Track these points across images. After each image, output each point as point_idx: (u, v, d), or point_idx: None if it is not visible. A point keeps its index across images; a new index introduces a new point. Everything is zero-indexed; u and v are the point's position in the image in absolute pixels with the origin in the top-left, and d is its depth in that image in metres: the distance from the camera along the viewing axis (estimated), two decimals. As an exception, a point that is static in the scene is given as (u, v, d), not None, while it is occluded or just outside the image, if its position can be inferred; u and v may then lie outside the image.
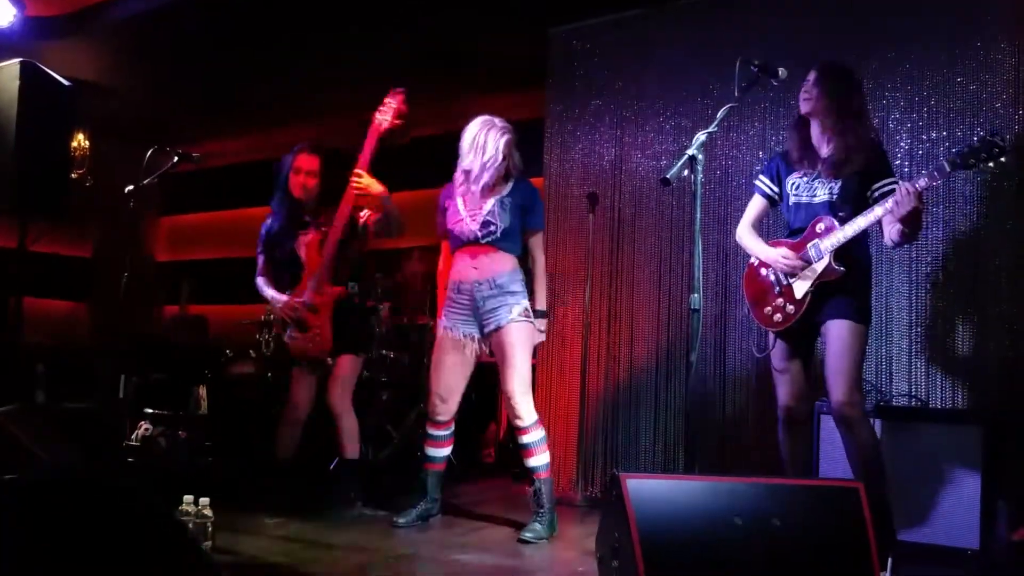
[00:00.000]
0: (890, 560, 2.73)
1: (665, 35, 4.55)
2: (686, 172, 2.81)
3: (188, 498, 2.87)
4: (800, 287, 3.04)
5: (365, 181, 3.58)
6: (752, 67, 2.97)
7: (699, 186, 2.82)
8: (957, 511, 3.19)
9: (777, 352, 3.16)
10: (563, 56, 4.90)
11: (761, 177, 3.32)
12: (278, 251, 3.93)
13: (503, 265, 3.50)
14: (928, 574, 3.01)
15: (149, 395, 5.04)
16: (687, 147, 2.81)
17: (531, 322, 3.51)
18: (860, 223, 2.91)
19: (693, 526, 2.29)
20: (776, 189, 3.26)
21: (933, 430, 3.30)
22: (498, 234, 3.48)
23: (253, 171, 8.08)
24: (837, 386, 2.94)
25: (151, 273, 8.93)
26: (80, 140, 6.71)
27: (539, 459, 3.51)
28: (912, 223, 2.86)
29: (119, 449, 4.32)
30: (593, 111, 4.77)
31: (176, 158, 4.05)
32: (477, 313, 3.51)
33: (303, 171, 3.87)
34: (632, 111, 4.65)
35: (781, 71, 3.00)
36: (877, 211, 2.88)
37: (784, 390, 3.16)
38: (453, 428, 3.68)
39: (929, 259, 3.70)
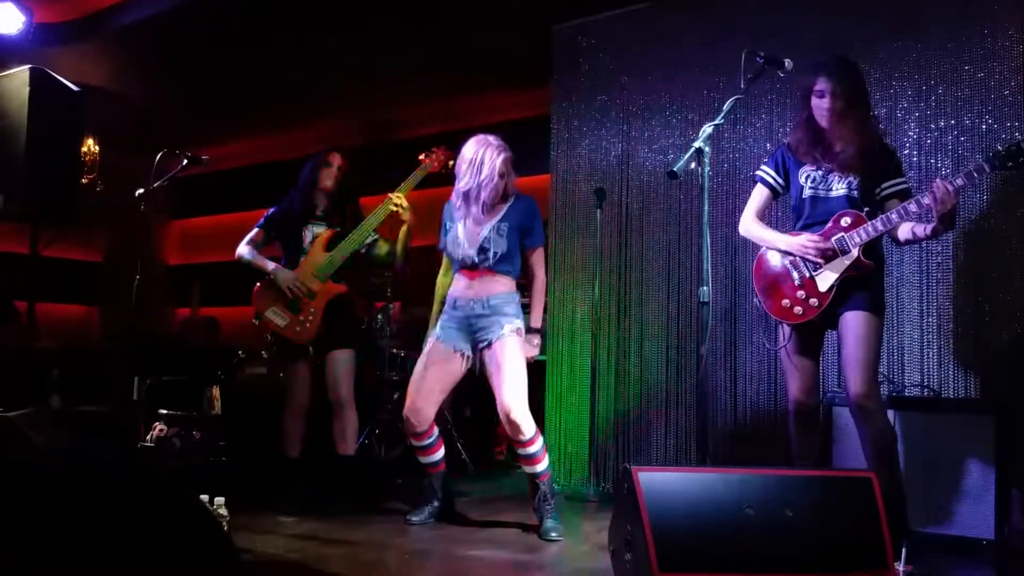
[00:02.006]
0: (904, 550, 2.72)
1: (670, 28, 4.54)
2: (693, 165, 2.82)
3: (203, 498, 2.89)
4: (825, 280, 3.00)
5: (406, 204, 3.86)
6: (758, 59, 2.97)
7: (706, 179, 2.82)
8: (971, 501, 3.18)
9: (792, 345, 3.14)
10: (568, 52, 4.89)
11: (764, 168, 3.29)
12: (284, 231, 4.08)
13: (498, 287, 3.49)
14: (943, 564, 3.00)
15: (163, 396, 5.07)
16: (694, 140, 2.82)
17: (522, 340, 3.49)
18: (893, 218, 2.90)
19: (705, 518, 2.29)
20: (781, 181, 3.23)
21: (946, 420, 3.29)
22: (496, 259, 3.47)
23: (262, 173, 8.12)
24: (855, 377, 2.92)
25: (162, 276, 8.98)
26: (90, 145, 6.75)
27: (542, 464, 3.51)
28: (950, 220, 2.86)
29: (134, 450, 4.35)
30: (599, 106, 4.77)
31: (185, 161, 4.09)
32: (470, 331, 3.50)
33: (335, 164, 4.09)
34: (638, 105, 4.64)
35: (787, 62, 3.00)
36: (911, 208, 2.86)
37: (796, 383, 3.14)
38: (437, 432, 3.63)
39: (940, 248, 3.68)
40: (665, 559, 2.22)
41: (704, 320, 2.80)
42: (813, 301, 3.02)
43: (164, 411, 4.76)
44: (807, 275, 3.04)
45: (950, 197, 2.77)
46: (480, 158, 3.44)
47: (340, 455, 4.00)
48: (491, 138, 3.50)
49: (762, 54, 2.97)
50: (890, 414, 3.23)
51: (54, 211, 4.08)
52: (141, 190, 4.00)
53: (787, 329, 3.14)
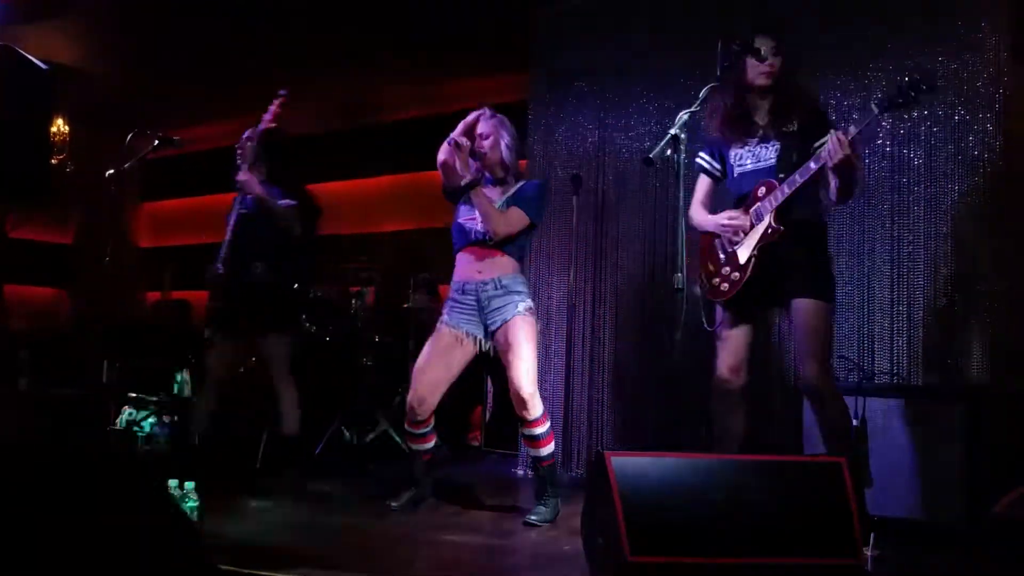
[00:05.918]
0: (872, 536, 2.76)
1: (648, 16, 4.54)
2: (669, 152, 2.81)
3: (173, 482, 2.87)
4: (743, 252, 3.03)
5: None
6: (734, 46, 2.98)
7: (682, 166, 2.82)
8: (940, 487, 3.22)
9: (724, 321, 3.14)
10: (547, 37, 4.87)
11: (701, 154, 3.30)
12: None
13: (506, 268, 3.50)
14: (911, 550, 3.04)
15: (133, 380, 5.02)
16: (670, 127, 2.82)
17: (534, 319, 3.50)
18: (796, 179, 2.90)
19: (677, 502, 2.31)
20: (718, 166, 3.26)
21: (916, 407, 3.32)
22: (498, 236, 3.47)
23: (236, 156, 8.01)
24: (806, 366, 2.95)
25: (133, 259, 8.87)
26: (59, 125, 6.63)
27: (547, 448, 3.52)
28: (844, 174, 2.84)
29: (103, 434, 4.31)
30: (576, 93, 4.76)
31: (156, 141, 4.04)
32: (483, 313, 3.48)
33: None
34: (615, 93, 4.64)
35: (763, 50, 3.00)
36: (811, 164, 2.86)
37: (722, 360, 3.12)
38: (433, 423, 3.64)
39: (911, 237, 3.72)
40: (637, 544, 2.23)
41: (678, 307, 2.81)
42: (735, 276, 3.04)
43: (134, 394, 4.71)
44: (730, 249, 3.08)
45: (841, 146, 2.74)
46: (470, 122, 3.54)
47: (282, 435, 4.07)
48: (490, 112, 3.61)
49: (738, 42, 2.98)
50: (859, 400, 3.27)
51: (23, 192, 4.01)
52: (112, 171, 3.94)
53: (719, 308, 3.14)
